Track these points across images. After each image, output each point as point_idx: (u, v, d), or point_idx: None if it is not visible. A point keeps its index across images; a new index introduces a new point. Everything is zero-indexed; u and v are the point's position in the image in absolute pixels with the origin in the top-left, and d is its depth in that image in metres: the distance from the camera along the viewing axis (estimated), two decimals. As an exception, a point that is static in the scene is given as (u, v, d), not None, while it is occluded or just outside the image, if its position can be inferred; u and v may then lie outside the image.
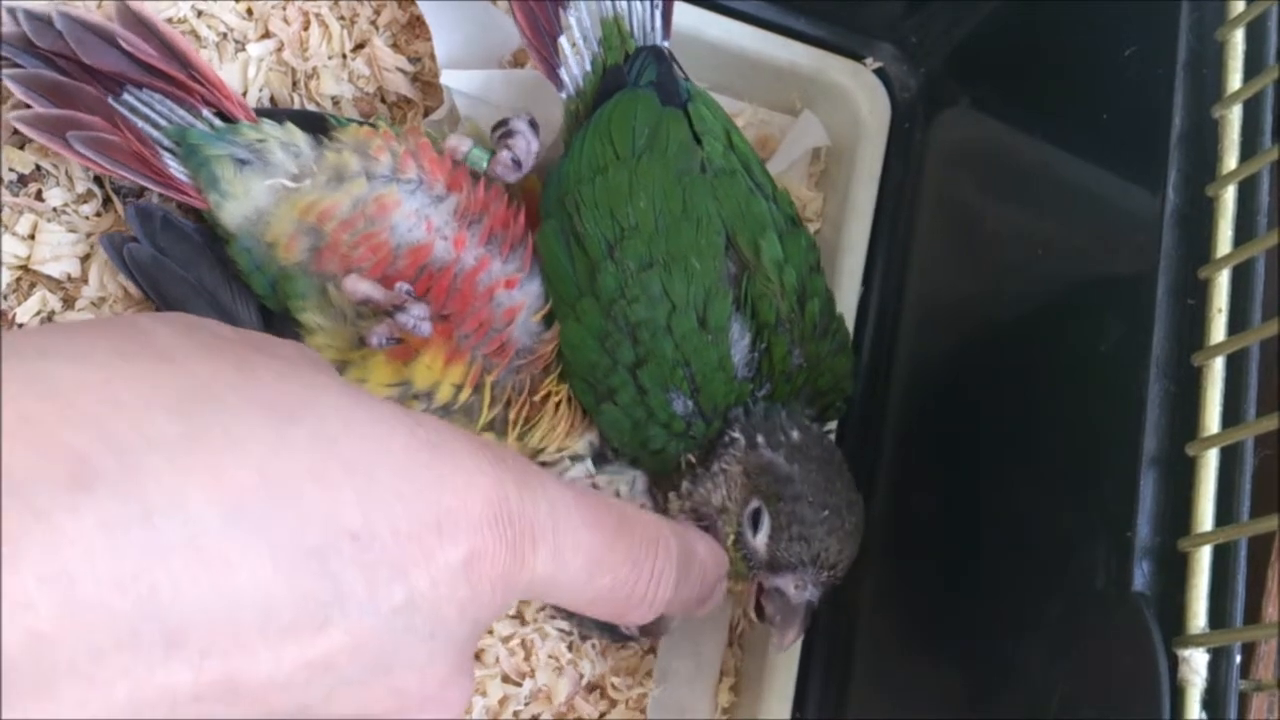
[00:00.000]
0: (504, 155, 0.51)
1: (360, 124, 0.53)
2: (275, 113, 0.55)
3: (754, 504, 0.48)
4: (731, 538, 0.48)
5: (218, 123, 0.52)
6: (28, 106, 0.51)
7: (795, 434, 0.49)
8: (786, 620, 0.48)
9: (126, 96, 0.51)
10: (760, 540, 0.47)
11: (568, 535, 0.30)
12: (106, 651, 0.21)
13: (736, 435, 0.49)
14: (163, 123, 0.52)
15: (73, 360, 0.23)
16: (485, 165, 0.52)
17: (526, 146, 0.51)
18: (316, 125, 0.53)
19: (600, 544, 0.32)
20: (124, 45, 0.51)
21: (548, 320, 0.51)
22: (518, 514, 0.28)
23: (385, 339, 0.47)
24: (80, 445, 0.21)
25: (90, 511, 0.21)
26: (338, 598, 0.24)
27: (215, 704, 0.23)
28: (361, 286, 0.48)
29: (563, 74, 0.53)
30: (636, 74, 0.52)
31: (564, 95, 0.53)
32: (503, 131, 0.52)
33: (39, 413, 0.21)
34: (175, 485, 0.22)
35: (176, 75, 0.52)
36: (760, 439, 0.49)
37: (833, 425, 0.57)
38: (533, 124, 0.52)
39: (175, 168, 0.52)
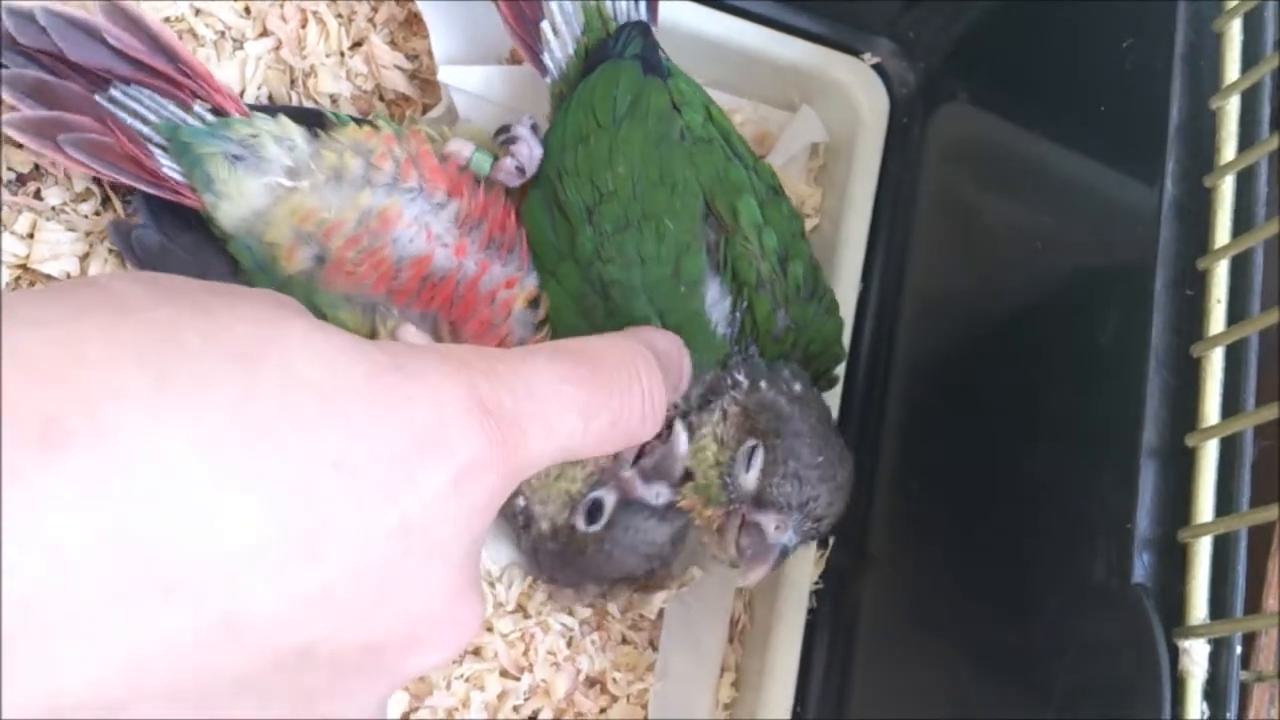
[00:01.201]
0: (508, 162, 0.51)
1: (359, 123, 0.53)
2: (269, 108, 0.54)
3: (751, 442, 0.48)
4: (717, 471, 0.48)
5: (209, 117, 0.51)
6: (15, 108, 0.50)
7: (798, 386, 0.50)
8: (757, 557, 0.48)
9: (114, 93, 0.50)
10: (752, 475, 0.48)
11: (552, 402, 0.30)
12: (100, 607, 0.21)
13: (740, 378, 0.50)
14: (153, 118, 0.51)
15: (32, 324, 0.23)
16: (488, 169, 0.51)
17: (529, 152, 0.51)
18: (313, 121, 0.53)
19: (584, 392, 0.32)
20: (110, 40, 0.50)
21: (536, 304, 0.51)
22: (497, 410, 0.28)
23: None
24: (48, 405, 0.21)
25: (64, 469, 0.21)
26: (327, 528, 0.24)
27: (220, 650, 0.23)
28: (411, 336, 0.49)
29: (546, 59, 0.53)
30: (621, 46, 0.53)
31: (548, 80, 0.54)
32: (505, 137, 0.52)
33: (2, 378, 0.21)
34: (148, 434, 0.22)
35: (164, 70, 0.51)
36: (764, 383, 0.49)
37: (834, 412, 0.57)
38: (535, 128, 0.52)
39: (168, 166, 0.51)
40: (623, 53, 0.52)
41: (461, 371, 0.28)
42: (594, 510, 0.50)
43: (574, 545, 0.51)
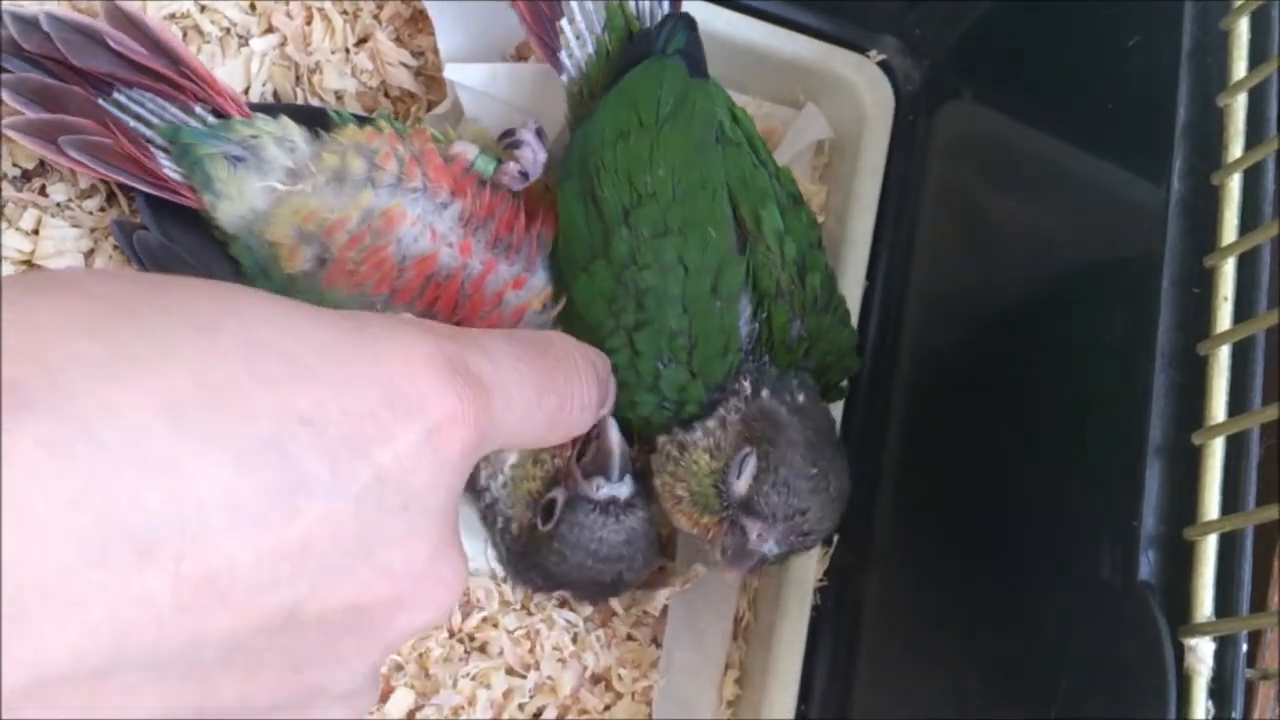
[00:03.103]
0: (511, 167, 0.51)
1: (361, 123, 0.52)
2: (271, 107, 0.54)
3: (745, 449, 0.48)
4: (711, 479, 0.48)
5: (211, 119, 0.51)
6: (18, 111, 0.50)
7: (801, 397, 0.49)
8: (736, 560, 0.48)
9: (117, 96, 0.51)
10: (744, 482, 0.47)
11: (510, 375, 0.31)
12: (75, 570, 0.21)
13: (745, 384, 0.49)
14: (155, 121, 0.51)
15: None
16: (491, 173, 0.51)
17: (533, 157, 0.51)
18: (316, 120, 0.53)
19: (536, 372, 0.33)
20: (112, 44, 0.50)
21: (546, 306, 0.51)
22: (465, 370, 0.28)
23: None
24: (7, 372, 0.21)
25: (28, 432, 0.21)
26: (302, 484, 0.24)
27: (201, 613, 0.23)
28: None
29: (564, 58, 0.53)
30: (665, 40, 0.52)
31: (565, 79, 0.53)
32: (509, 141, 0.51)
33: None
34: (111, 399, 0.22)
35: (166, 73, 0.51)
36: (766, 392, 0.49)
37: (838, 416, 0.57)
38: (539, 133, 0.52)
39: (169, 167, 0.51)
40: (666, 47, 0.52)
41: (428, 334, 0.28)
42: (549, 509, 0.50)
43: (534, 545, 0.51)
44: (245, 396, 0.24)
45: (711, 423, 0.49)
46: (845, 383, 0.55)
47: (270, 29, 0.59)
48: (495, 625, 0.56)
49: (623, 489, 0.49)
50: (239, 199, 0.50)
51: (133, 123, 0.51)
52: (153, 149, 0.51)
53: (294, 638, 0.25)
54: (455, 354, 0.28)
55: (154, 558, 0.22)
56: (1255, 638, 0.38)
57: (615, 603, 0.57)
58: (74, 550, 0.21)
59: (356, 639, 0.27)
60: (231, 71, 0.58)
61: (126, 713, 0.23)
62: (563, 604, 0.57)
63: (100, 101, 0.50)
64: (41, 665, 0.21)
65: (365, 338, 0.27)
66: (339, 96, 0.60)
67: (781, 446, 0.47)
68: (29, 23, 0.50)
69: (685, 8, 0.55)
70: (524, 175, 0.51)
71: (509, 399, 0.31)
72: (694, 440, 0.49)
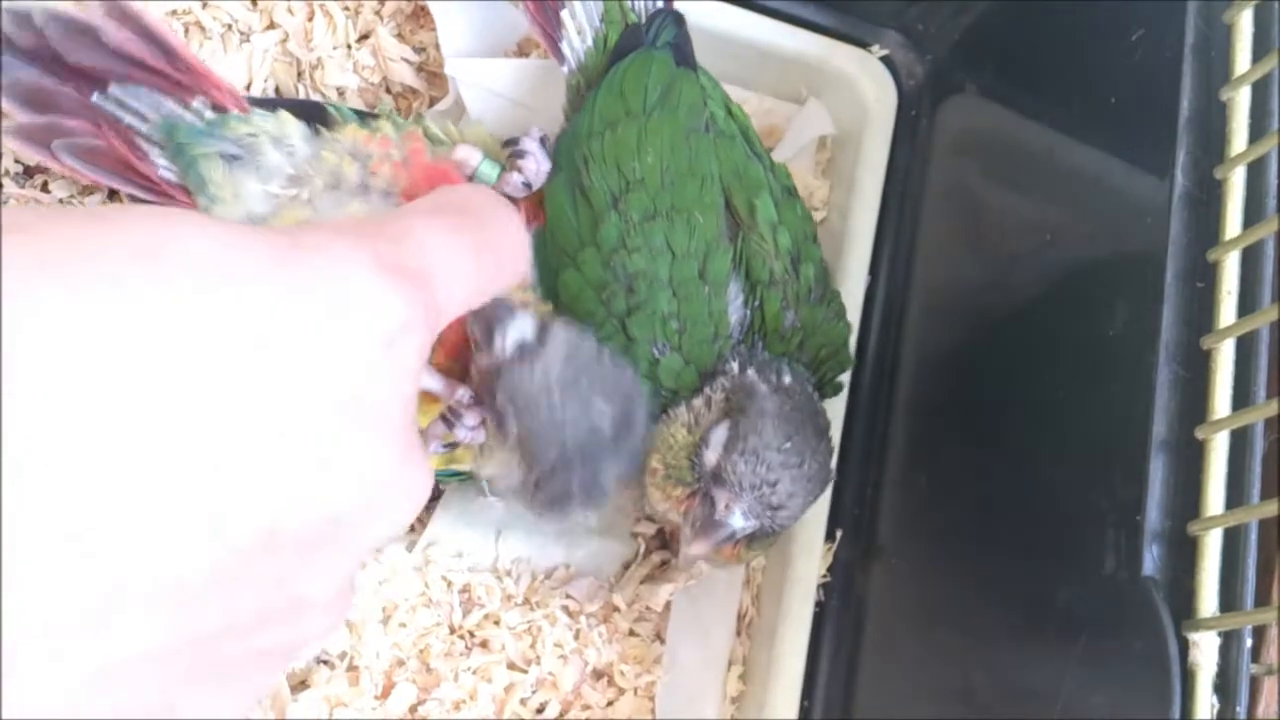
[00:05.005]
0: (514, 177, 0.51)
1: (360, 122, 0.52)
2: (270, 102, 0.53)
3: (722, 422, 0.47)
4: (685, 452, 0.48)
5: (208, 114, 0.51)
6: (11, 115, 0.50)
7: (788, 379, 0.49)
8: (701, 532, 0.47)
9: (113, 91, 0.50)
10: (714, 452, 0.47)
11: (446, 253, 0.31)
12: (65, 520, 0.21)
13: (732, 365, 0.49)
14: (151, 116, 0.50)
15: None
16: (494, 180, 0.51)
17: (536, 168, 0.51)
18: (315, 115, 0.52)
19: (468, 234, 0.33)
20: (107, 40, 0.49)
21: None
22: (404, 270, 0.28)
23: (440, 447, 0.47)
24: None
25: None
26: (266, 406, 0.24)
27: (188, 543, 0.23)
28: (425, 380, 0.47)
29: (565, 49, 0.53)
30: (655, 34, 0.53)
31: (565, 70, 0.53)
32: (513, 151, 0.52)
33: None
34: (71, 344, 0.22)
35: (162, 68, 0.50)
36: (751, 370, 0.49)
37: (840, 412, 0.57)
38: (544, 141, 0.52)
39: (164, 167, 0.50)
40: (655, 41, 0.52)
41: (362, 240, 0.28)
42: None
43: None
44: (197, 323, 0.24)
45: (697, 400, 0.49)
46: (844, 378, 0.55)
47: (272, 25, 0.59)
48: (497, 622, 0.56)
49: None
50: (234, 202, 0.50)
51: (128, 119, 0.50)
52: (147, 147, 0.50)
53: (273, 554, 0.26)
54: (393, 255, 0.28)
55: (136, 494, 0.22)
56: (1259, 633, 0.38)
57: (618, 598, 0.57)
58: (59, 496, 0.21)
59: (331, 550, 0.27)
60: (233, 67, 0.58)
61: (125, 652, 0.23)
62: (568, 598, 0.57)
63: (95, 97, 0.50)
64: (45, 621, 0.21)
65: (304, 250, 0.27)
66: (340, 92, 0.60)
67: (753, 416, 0.47)
68: (23, 18, 0.49)
69: (688, 4, 0.55)
70: (527, 186, 0.51)
71: (449, 278, 0.31)
72: (675, 414, 0.49)
